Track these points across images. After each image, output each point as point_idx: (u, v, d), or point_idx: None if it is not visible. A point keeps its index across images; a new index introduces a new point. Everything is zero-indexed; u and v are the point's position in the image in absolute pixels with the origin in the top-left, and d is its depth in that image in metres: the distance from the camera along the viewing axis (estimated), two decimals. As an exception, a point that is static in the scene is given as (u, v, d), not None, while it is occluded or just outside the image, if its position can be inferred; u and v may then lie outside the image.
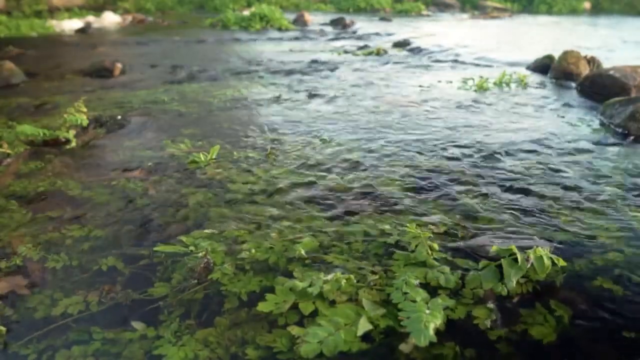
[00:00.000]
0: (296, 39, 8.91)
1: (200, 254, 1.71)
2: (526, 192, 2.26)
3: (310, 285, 1.51)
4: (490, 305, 1.47)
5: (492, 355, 1.31)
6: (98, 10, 13.39)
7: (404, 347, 1.31)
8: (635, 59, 5.47)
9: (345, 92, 4.43)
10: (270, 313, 1.44)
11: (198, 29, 10.63)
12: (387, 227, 1.93)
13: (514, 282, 1.52)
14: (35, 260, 1.76)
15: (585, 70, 4.89)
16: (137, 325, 1.42)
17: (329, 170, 2.55)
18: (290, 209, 2.12)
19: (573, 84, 4.70)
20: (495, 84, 4.69)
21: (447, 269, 1.62)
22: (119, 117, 3.63)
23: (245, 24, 10.68)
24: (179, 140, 3.06)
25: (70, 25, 10.87)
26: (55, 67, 5.96)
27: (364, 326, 1.35)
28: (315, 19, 12.09)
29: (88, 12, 13.27)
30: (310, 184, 2.39)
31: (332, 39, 8.81)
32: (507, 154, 2.77)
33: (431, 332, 1.31)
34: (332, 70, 5.64)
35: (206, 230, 1.93)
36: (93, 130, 3.31)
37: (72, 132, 3.09)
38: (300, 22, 11.43)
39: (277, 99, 4.19)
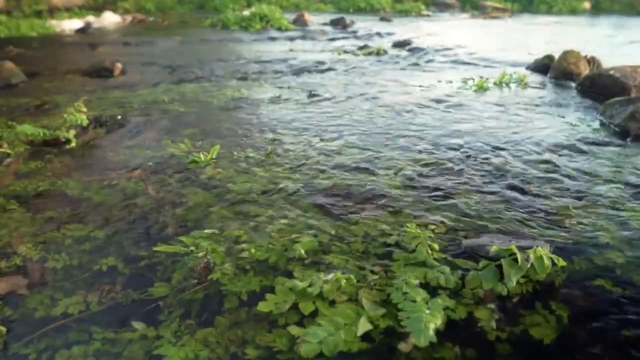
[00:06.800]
0: (296, 39, 8.90)
1: (200, 254, 1.71)
2: (526, 191, 2.26)
3: (310, 285, 1.51)
4: (490, 305, 1.47)
5: (492, 355, 1.31)
6: (98, 10, 13.38)
7: (402, 347, 1.31)
8: (636, 58, 5.47)
9: (346, 92, 4.43)
10: (270, 313, 1.45)
11: (198, 29, 10.63)
12: (387, 227, 1.93)
13: (514, 282, 1.52)
14: (35, 260, 1.76)
15: (585, 70, 4.89)
16: (137, 325, 1.43)
17: (328, 170, 2.55)
18: (290, 209, 2.12)
19: (573, 84, 4.70)
20: (495, 84, 4.69)
21: (447, 269, 1.62)
22: (119, 117, 3.63)
23: (245, 24, 10.67)
24: (179, 140, 3.06)
25: (70, 25, 10.86)
26: (55, 67, 5.95)
27: (364, 326, 1.35)
28: (315, 19, 12.07)
29: (88, 12, 13.26)
30: (310, 183, 2.39)
31: (332, 39, 8.80)
32: (507, 154, 2.77)
33: (431, 332, 1.31)
34: (332, 70, 5.63)
35: (206, 230, 1.93)
36: (93, 130, 3.31)
37: (72, 132, 3.09)
38: (300, 22, 11.41)
39: (277, 99, 4.19)
